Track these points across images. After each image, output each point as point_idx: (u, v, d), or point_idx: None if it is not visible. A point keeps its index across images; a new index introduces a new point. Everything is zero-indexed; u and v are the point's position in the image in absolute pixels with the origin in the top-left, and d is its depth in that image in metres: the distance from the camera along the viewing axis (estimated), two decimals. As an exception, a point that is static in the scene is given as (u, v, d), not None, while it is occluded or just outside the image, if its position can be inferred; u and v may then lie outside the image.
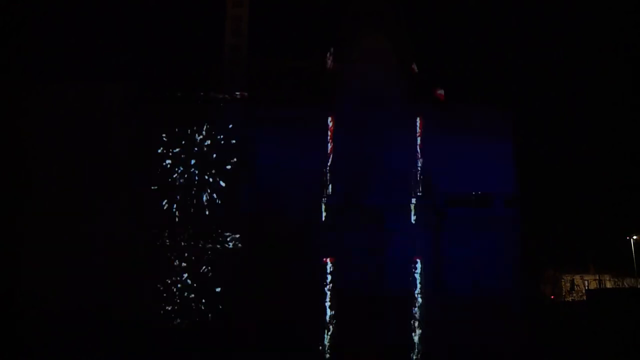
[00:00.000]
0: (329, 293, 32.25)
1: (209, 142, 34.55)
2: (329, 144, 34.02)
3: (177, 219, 34.11)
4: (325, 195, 33.36)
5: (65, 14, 35.46)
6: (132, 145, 33.66)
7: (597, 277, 42.14)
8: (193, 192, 34.28)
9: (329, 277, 32.51)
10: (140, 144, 34.17)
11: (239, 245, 33.66)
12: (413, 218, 33.23)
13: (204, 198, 34.38)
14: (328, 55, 34.90)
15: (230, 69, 35.17)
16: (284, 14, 35.82)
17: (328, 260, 32.67)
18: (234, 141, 34.46)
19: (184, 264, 33.23)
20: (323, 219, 33.07)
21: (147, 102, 34.63)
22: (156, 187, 33.84)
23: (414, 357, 31.54)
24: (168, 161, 34.06)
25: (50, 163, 32.50)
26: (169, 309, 32.82)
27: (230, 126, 34.43)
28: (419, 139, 34.41)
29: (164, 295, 32.79)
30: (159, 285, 32.73)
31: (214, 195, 34.27)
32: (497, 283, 33.30)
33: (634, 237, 43.35)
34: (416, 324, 31.91)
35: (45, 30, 34.96)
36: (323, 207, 33.18)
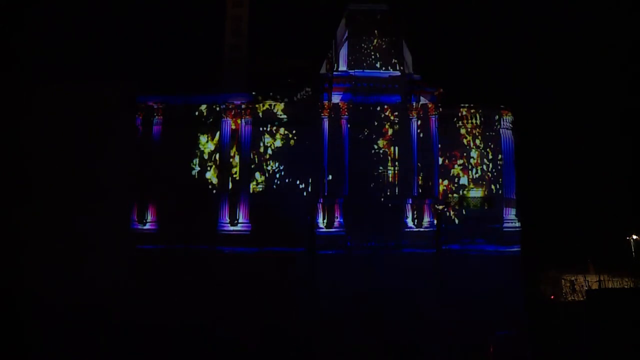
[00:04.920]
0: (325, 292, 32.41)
1: (209, 141, 34.64)
2: (328, 144, 34.16)
3: (177, 219, 34.28)
4: (323, 194, 33.43)
5: (65, 14, 35.47)
6: (132, 145, 33.77)
7: (599, 278, 42.11)
8: (193, 192, 34.38)
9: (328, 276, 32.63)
10: (140, 144, 34.30)
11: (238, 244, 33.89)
12: (413, 217, 33.33)
13: (205, 197, 34.49)
14: (328, 55, 35.02)
15: (230, 69, 35.30)
16: (284, 14, 35.81)
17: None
18: (232, 140, 34.56)
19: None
20: (322, 218, 33.17)
21: (146, 102, 34.77)
22: (157, 187, 34.03)
23: (414, 356, 31.55)
24: (168, 161, 34.17)
25: (50, 163, 32.60)
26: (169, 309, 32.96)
27: (229, 125, 34.54)
28: (419, 138, 34.62)
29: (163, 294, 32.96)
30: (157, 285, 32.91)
31: (214, 194, 34.37)
32: (498, 282, 33.56)
33: (634, 237, 43.33)
34: (416, 322, 31.95)
35: (46, 30, 34.97)
36: (321, 206, 33.27)
